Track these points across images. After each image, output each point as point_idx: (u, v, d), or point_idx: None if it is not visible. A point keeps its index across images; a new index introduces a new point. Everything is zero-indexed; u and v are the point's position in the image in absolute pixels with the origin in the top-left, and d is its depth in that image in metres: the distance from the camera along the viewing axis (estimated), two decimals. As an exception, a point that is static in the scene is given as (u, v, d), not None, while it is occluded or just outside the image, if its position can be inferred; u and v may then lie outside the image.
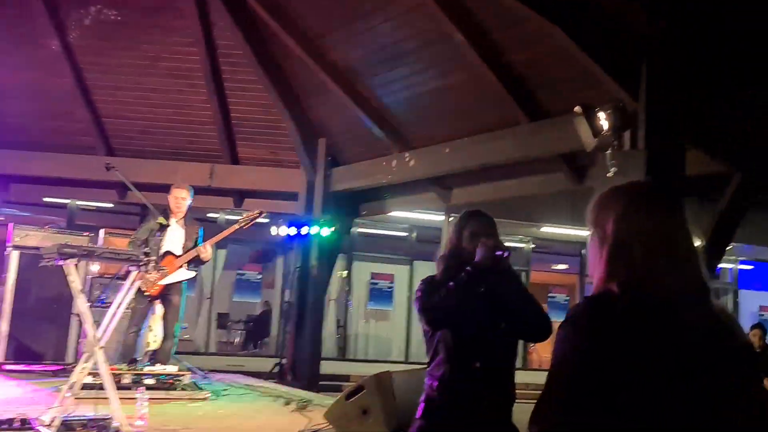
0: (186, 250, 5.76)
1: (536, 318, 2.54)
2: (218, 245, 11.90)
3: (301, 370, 8.69)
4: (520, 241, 14.21)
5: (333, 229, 8.58)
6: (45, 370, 6.35)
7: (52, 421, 3.64)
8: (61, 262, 3.81)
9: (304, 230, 8.49)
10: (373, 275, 13.52)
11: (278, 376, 8.51)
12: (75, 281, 3.90)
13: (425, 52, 6.90)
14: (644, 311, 1.21)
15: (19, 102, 8.58)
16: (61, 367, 6.37)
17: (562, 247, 14.73)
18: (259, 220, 6.02)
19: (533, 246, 14.40)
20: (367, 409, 4.24)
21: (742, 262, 15.21)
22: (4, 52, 8.14)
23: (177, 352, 6.26)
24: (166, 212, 5.81)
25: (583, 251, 14.04)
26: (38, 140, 8.88)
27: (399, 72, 7.28)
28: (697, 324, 1.22)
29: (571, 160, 6.76)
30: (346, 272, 13.13)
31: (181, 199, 5.86)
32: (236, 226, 6.00)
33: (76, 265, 3.90)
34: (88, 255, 4.05)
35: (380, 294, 13.56)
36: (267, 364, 9.15)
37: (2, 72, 8.29)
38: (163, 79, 8.47)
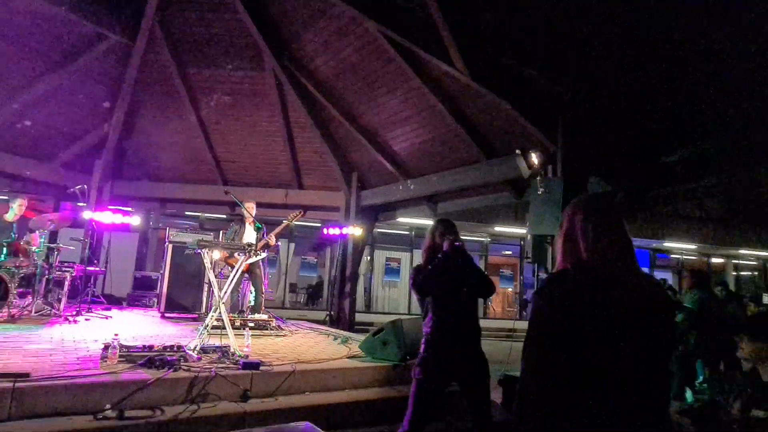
0: (257, 241, 5.59)
1: (485, 283, 2.57)
2: (289, 240, 12.11)
3: (342, 319, 8.69)
4: (480, 236, 14.09)
5: (362, 230, 8.59)
6: (188, 317, 6.41)
7: (195, 347, 3.70)
8: (199, 251, 3.87)
9: (345, 231, 8.50)
10: (387, 259, 13.49)
11: (328, 322, 8.51)
12: (207, 262, 3.96)
13: (420, 116, 6.94)
14: (586, 281, 1.18)
15: (170, 153, 8.75)
16: (197, 315, 6.43)
17: (508, 240, 14.62)
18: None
19: (489, 240, 14.29)
20: (386, 342, 4.24)
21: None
22: (160, 123, 8.32)
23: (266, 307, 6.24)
24: (242, 219, 5.74)
25: (522, 242, 13.87)
26: (181, 176, 9.04)
27: (403, 129, 7.32)
28: (625, 287, 1.16)
29: (514, 184, 6.76)
30: (369, 257, 13.09)
31: (251, 208, 5.81)
32: (286, 223, 5.62)
33: (208, 252, 3.97)
34: (216, 246, 4.10)
35: (392, 271, 13.52)
36: (321, 315, 9.18)
37: (161, 133, 8.45)
38: (258, 137, 8.58)
